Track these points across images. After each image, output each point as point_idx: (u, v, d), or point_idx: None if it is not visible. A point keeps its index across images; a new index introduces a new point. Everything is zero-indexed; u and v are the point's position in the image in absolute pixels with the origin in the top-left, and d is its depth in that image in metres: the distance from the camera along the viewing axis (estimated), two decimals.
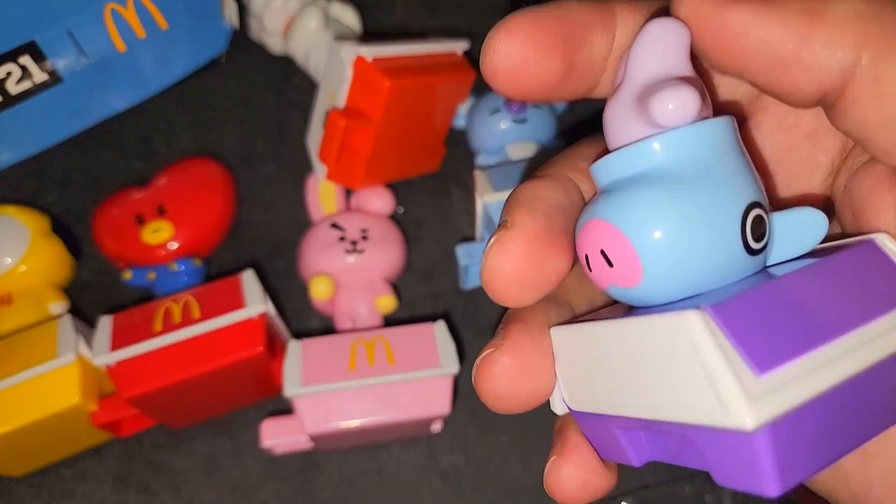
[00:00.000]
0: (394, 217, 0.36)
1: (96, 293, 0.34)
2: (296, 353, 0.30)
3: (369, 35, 0.40)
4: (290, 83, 0.40)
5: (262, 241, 0.36)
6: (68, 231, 0.35)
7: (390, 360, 0.29)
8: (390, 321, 0.34)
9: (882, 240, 0.14)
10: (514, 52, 0.14)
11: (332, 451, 0.32)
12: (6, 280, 0.31)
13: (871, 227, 0.14)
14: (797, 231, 0.14)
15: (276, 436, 0.30)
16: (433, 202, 0.37)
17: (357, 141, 0.32)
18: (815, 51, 0.13)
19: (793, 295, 0.12)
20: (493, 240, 0.14)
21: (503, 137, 0.35)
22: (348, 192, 0.36)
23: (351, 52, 0.31)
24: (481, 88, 0.37)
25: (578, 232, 0.14)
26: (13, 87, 0.31)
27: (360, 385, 0.29)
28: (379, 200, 0.35)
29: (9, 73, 0.30)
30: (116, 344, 0.28)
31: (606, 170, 0.14)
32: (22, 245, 0.32)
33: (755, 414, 0.11)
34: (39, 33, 0.30)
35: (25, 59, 0.31)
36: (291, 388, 0.29)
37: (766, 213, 0.13)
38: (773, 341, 0.12)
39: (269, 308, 0.30)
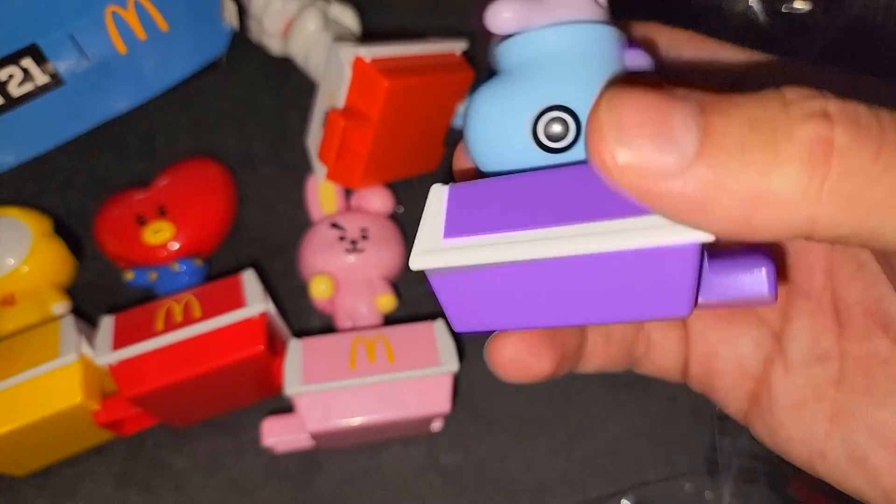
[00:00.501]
0: (393, 216, 0.36)
1: (98, 293, 0.35)
2: (296, 351, 0.30)
3: (368, 36, 0.40)
4: (289, 84, 0.40)
5: (263, 240, 0.37)
6: (70, 232, 0.35)
7: (390, 359, 0.29)
8: (390, 320, 0.34)
9: None
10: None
11: (332, 450, 0.32)
12: (9, 281, 0.32)
13: None
14: None
15: (277, 434, 0.30)
16: None
17: (356, 141, 0.32)
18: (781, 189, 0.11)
19: (527, 187, 0.14)
20: None
21: None
22: (348, 192, 0.36)
23: (350, 53, 0.31)
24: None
25: None
26: (15, 90, 0.31)
27: (360, 383, 0.29)
28: (378, 200, 0.35)
29: (10, 76, 0.31)
30: (118, 343, 0.29)
31: None
32: (24, 246, 0.32)
33: (421, 262, 0.14)
34: (41, 36, 0.31)
35: (27, 62, 0.31)
36: (292, 386, 0.29)
37: (576, 118, 0.14)
38: (477, 218, 0.14)
39: (270, 307, 0.30)
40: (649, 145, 0.11)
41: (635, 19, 0.17)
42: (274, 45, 0.39)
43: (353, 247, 0.33)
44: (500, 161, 0.15)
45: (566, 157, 0.14)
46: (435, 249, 0.14)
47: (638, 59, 0.15)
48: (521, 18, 0.14)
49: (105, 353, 0.28)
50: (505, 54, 0.15)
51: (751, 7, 0.39)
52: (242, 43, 0.40)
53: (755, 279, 0.14)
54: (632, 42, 0.15)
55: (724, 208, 0.11)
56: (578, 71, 0.14)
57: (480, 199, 0.14)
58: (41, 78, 0.31)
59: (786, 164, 0.11)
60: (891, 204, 0.11)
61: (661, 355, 0.18)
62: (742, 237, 0.12)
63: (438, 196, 0.15)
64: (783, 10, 0.39)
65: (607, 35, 0.14)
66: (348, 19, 0.39)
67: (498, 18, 0.14)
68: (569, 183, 0.14)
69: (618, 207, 0.13)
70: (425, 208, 0.15)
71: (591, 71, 0.14)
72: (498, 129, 0.14)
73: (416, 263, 0.14)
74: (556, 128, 0.14)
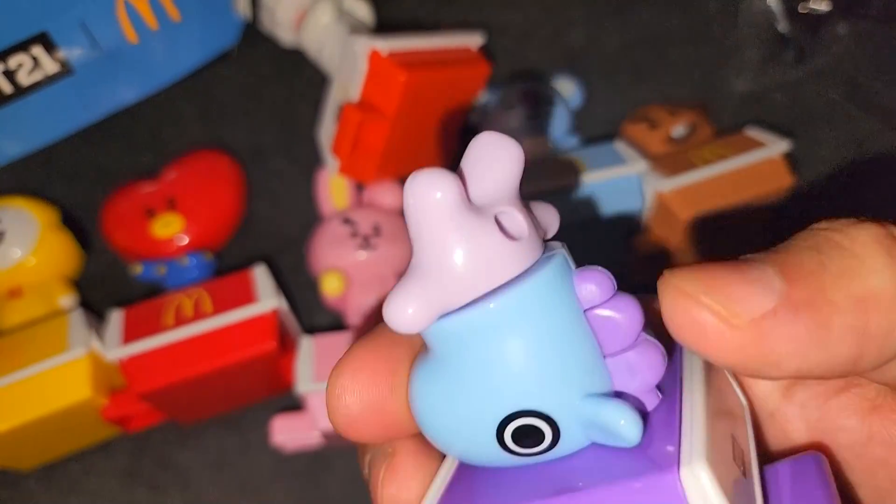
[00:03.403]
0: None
1: (105, 287, 0.34)
2: (308, 349, 0.29)
3: (381, 28, 0.39)
4: (300, 76, 0.39)
5: (272, 235, 0.36)
6: (77, 224, 0.35)
7: None
8: None
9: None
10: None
11: (342, 449, 0.32)
12: (16, 273, 0.31)
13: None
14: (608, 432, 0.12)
15: (287, 432, 0.30)
16: None
17: (371, 135, 0.32)
18: (874, 350, 0.11)
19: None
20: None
21: (517, 133, 0.35)
22: (359, 187, 0.35)
23: (365, 46, 0.31)
24: (495, 82, 0.36)
25: None
26: (24, 79, 0.30)
27: None
28: (391, 195, 0.35)
29: (20, 64, 0.30)
30: (128, 338, 0.28)
31: None
32: (31, 237, 0.32)
33: None
34: (52, 23, 0.30)
35: (37, 50, 0.30)
36: (304, 384, 0.28)
37: (551, 421, 0.11)
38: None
39: (282, 303, 0.29)
40: None
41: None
42: (286, 37, 0.39)
43: (366, 243, 0.33)
44: (466, 457, 0.13)
45: (545, 458, 0.12)
46: None
47: (591, 287, 0.12)
48: (431, 310, 0.11)
49: (115, 348, 0.28)
50: (433, 336, 0.12)
51: (769, 7, 0.38)
52: (254, 34, 0.39)
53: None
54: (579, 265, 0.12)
55: None
56: (535, 351, 0.11)
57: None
58: (51, 66, 0.31)
59: None
60: None
61: None
62: None
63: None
64: (801, 10, 0.38)
65: (556, 281, 0.11)
66: (362, 11, 0.38)
67: (402, 319, 0.11)
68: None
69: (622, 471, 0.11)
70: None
71: (549, 347, 0.11)
72: (456, 431, 0.12)
73: None
74: (528, 436, 0.11)
